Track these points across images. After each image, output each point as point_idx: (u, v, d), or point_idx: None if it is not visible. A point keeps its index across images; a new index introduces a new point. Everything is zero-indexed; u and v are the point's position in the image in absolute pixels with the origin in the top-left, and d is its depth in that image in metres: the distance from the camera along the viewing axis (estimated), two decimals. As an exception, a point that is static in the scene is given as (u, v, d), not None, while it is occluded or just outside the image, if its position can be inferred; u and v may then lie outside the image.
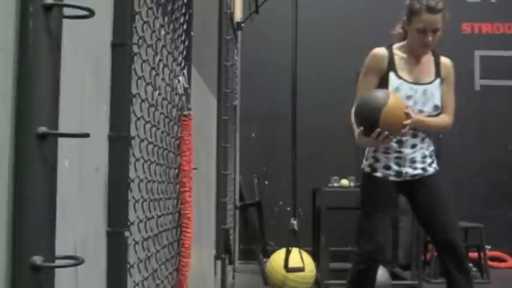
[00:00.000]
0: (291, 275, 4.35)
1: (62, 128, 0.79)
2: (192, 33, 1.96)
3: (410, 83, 2.72)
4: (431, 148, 2.80)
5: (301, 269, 4.26)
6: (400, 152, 2.73)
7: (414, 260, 4.79)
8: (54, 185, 0.77)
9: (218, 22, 3.38)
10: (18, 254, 0.72)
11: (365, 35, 6.17)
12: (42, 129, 0.74)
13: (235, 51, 5.02)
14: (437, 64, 2.79)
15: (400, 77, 2.72)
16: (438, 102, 2.74)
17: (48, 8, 0.75)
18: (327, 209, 4.76)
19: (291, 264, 4.26)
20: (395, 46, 2.80)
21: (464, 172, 6.13)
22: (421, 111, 2.70)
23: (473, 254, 5.14)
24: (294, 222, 4.36)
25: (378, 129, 2.53)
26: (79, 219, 0.99)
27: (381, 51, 2.76)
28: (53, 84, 0.77)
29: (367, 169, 2.81)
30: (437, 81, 2.76)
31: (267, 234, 5.81)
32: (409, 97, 2.69)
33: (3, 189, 0.72)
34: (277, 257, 4.50)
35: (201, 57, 2.47)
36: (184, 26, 1.87)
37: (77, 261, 0.79)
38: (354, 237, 6.19)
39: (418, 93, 2.71)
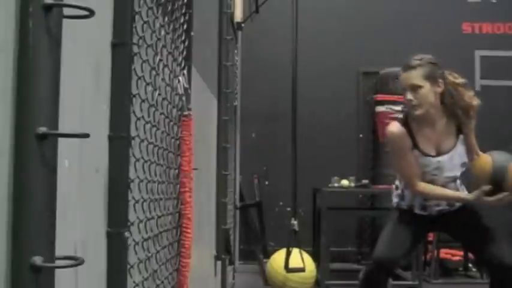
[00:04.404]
0: (292, 276, 4.35)
1: (62, 128, 0.79)
2: (192, 33, 1.95)
3: (434, 156, 2.66)
4: (462, 187, 2.78)
5: (302, 270, 4.26)
6: (425, 200, 2.75)
7: (414, 260, 4.78)
8: (54, 185, 0.77)
9: (218, 22, 3.38)
10: (18, 254, 0.72)
11: (366, 35, 6.18)
12: (42, 129, 0.74)
13: (235, 51, 5.02)
14: (454, 122, 2.67)
15: (424, 153, 2.66)
16: (465, 159, 2.68)
17: (48, 8, 0.74)
18: (327, 209, 4.76)
19: (292, 264, 4.25)
20: (407, 118, 2.69)
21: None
22: (448, 177, 2.68)
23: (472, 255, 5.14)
24: (295, 222, 4.36)
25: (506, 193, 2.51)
26: (79, 219, 0.99)
27: (399, 129, 2.66)
28: (53, 84, 0.77)
29: (394, 203, 2.83)
30: (459, 140, 2.68)
31: (267, 235, 5.81)
32: (436, 168, 2.66)
33: (3, 189, 0.72)
34: (278, 258, 4.50)
35: (201, 57, 2.46)
36: (184, 26, 1.87)
37: (77, 261, 0.79)
38: (354, 237, 6.19)
39: (445, 163, 2.66)
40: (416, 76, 2.56)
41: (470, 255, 5.06)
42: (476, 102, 2.62)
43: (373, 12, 6.16)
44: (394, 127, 2.67)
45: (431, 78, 2.57)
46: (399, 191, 2.82)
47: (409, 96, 2.58)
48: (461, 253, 5.46)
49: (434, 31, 5.99)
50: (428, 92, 2.56)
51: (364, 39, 6.09)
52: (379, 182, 5.46)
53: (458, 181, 2.77)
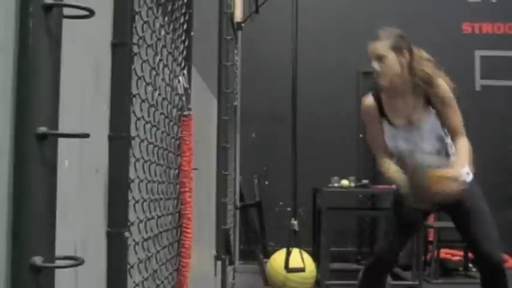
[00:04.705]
0: (292, 276, 4.35)
1: (62, 128, 0.79)
2: (192, 33, 1.95)
3: (403, 127, 2.68)
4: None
5: (302, 270, 4.26)
6: None
7: (414, 260, 4.78)
8: (54, 185, 0.77)
9: (218, 22, 3.38)
10: (18, 254, 0.72)
11: (366, 35, 6.16)
12: (42, 129, 0.74)
13: (235, 51, 5.02)
14: (426, 94, 2.66)
15: (391, 124, 2.70)
16: (440, 132, 2.68)
17: (48, 8, 0.74)
18: (327, 209, 4.76)
19: (292, 264, 4.25)
20: (378, 91, 2.76)
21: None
22: (424, 150, 2.66)
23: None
24: (295, 222, 4.36)
25: None
26: (79, 219, 0.99)
27: (368, 101, 2.77)
28: (53, 84, 0.77)
29: (394, 186, 2.84)
30: (428, 113, 2.67)
31: (267, 235, 5.81)
32: (407, 140, 2.67)
33: (3, 189, 0.72)
34: (278, 258, 4.50)
35: (201, 57, 2.46)
36: (184, 26, 1.87)
37: (77, 261, 0.79)
38: (354, 237, 6.20)
39: (414, 135, 2.67)
40: (381, 47, 2.65)
41: (471, 255, 5.06)
42: (432, 71, 2.64)
43: (373, 12, 6.15)
44: (365, 100, 2.80)
45: (396, 48, 2.63)
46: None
47: (375, 65, 2.66)
48: (462, 253, 5.46)
49: (434, 31, 5.98)
50: (393, 62, 2.63)
51: (364, 39, 6.08)
52: (379, 182, 5.45)
53: (448, 155, 2.71)
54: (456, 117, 2.67)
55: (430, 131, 2.68)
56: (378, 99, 2.75)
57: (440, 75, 2.66)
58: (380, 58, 2.65)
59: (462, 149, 2.65)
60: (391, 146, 2.71)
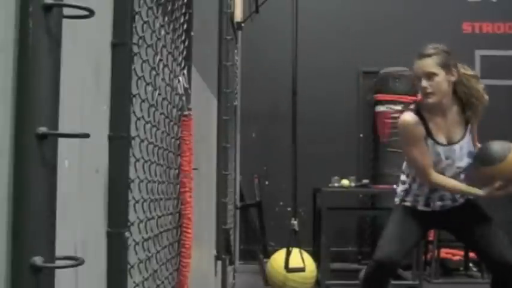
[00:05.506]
0: (292, 275, 4.35)
1: (62, 128, 0.79)
2: (192, 33, 1.95)
3: (446, 145, 2.68)
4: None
5: (302, 269, 4.26)
6: (431, 194, 2.75)
7: (415, 260, 4.78)
8: (54, 185, 0.77)
9: (218, 22, 3.37)
10: (18, 254, 0.72)
11: (366, 35, 6.17)
12: (42, 129, 0.74)
13: (235, 51, 5.02)
14: (463, 111, 2.69)
15: (437, 142, 2.68)
16: (471, 148, 2.71)
17: (48, 8, 0.74)
18: (327, 209, 4.76)
19: (292, 264, 4.25)
20: (420, 108, 2.71)
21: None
22: (459, 167, 2.69)
23: (474, 254, 5.14)
24: (295, 222, 4.36)
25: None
26: (79, 219, 0.99)
27: (413, 118, 2.67)
28: (53, 84, 0.77)
29: (397, 200, 2.84)
30: (468, 130, 2.71)
31: (268, 235, 5.81)
32: (447, 158, 2.68)
33: (3, 189, 0.72)
34: (278, 257, 4.50)
35: (201, 57, 2.46)
36: (184, 26, 1.87)
37: (77, 261, 0.79)
38: (354, 237, 6.19)
39: (455, 152, 2.68)
40: (431, 64, 2.59)
41: (471, 254, 5.06)
42: (486, 94, 2.67)
43: (373, 12, 6.15)
44: (408, 116, 2.67)
45: (445, 66, 2.60)
46: (406, 186, 2.82)
47: (424, 83, 2.59)
48: (462, 253, 5.46)
49: (434, 31, 5.98)
50: (443, 80, 2.59)
51: (364, 39, 6.09)
52: (379, 181, 5.46)
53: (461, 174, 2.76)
54: (476, 128, 2.76)
55: (466, 148, 2.69)
56: (421, 117, 2.67)
57: (482, 87, 2.68)
58: (429, 76, 2.59)
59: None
60: (432, 164, 2.69)
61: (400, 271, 5.06)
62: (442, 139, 2.68)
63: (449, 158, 2.67)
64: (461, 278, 5.37)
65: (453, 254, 5.52)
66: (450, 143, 2.68)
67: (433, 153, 2.67)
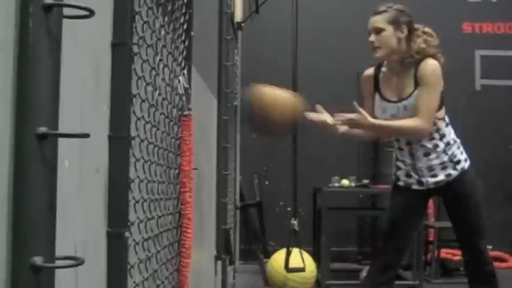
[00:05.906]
0: (292, 275, 4.35)
1: (62, 128, 0.79)
2: (192, 33, 1.95)
3: (393, 102, 2.69)
4: (451, 151, 2.68)
5: (302, 269, 4.26)
6: (413, 164, 2.72)
7: (415, 260, 4.78)
8: (54, 185, 0.77)
9: (218, 22, 3.38)
10: (18, 254, 0.72)
11: (366, 35, 6.16)
12: (42, 129, 0.74)
13: (235, 51, 5.02)
14: (416, 72, 2.63)
15: (383, 98, 2.74)
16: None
17: (48, 8, 0.74)
18: (327, 209, 4.76)
19: (292, 264, 4.25)
20: (385, 63, 2.79)
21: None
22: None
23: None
24: (295, 222, 4.36)
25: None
26: (79, 219, 0.99)
27: (367, 72, 2.85)
28: (53, 84, 0.77)
29: (393, 178, 2.86)
30: (416, 91, 2.63)
31: (268, 235, 5.81)
32: (393, 116, 2.67)
33: (3, 189, 0.72)
34: (278, 257, 4.50)
35: (201, 57, 2.46)
36: (184, 26, 1.87)
37: (77, 261, 0.79)
38: (354, 237, 6.19)
39: (400, 110, 2.66)
40: (380, 20, 2.69)
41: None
42: (427, 47, 2.65)
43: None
44: (366, 70, 2.86)
45: (395, 23, 2.66)
46: (395, 162, 2.85)
47: (372, 38, 2.69)
48: (462, 253, 5.45)
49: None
50: (391, 35, 2.66)
51: (365, 39, 6.08)
52: (379, 181, 5.46)
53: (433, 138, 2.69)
54: (425, 101, 2.57)
55: (411, 110, 2.63)
56: (376, 72, 2.80)
57: (436, 56, 2.65)
58: (377, 31, 2.68)
59: (400, 122, 2.61)
60: (377, 117, 2.73)
61: (400, 271, 5.06)
62: (391, 96, 2.71)
63: (395, 117, 2.66)
64: (461, 278, 5.33)
65: (453, 254, 5.52)
66: (398, 100, 2.69)
67: (380, 108, 2.73)
